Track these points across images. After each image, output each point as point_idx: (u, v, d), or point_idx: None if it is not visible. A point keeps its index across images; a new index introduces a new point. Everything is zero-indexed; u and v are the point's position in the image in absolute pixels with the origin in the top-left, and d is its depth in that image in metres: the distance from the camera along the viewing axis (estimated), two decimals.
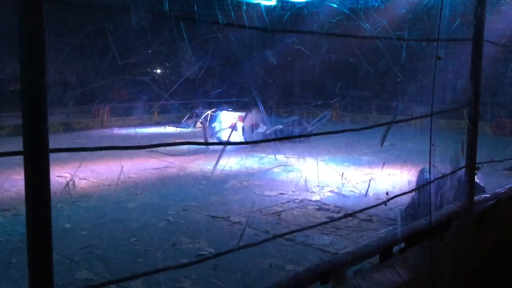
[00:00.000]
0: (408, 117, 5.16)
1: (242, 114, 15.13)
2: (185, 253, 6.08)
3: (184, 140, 2.78)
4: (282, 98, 25.28)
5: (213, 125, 15.63)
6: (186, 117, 19.87)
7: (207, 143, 13.16)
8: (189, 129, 19.26)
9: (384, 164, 10.94)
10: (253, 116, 15.32)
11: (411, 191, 4.58)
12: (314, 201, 8.61)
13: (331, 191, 9.28)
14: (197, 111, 20.38)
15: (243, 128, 14.86)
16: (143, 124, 20.34)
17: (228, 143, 9.95)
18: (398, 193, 4.77)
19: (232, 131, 14.85)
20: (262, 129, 15.39)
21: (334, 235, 6.81)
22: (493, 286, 5.16)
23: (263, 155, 11.45)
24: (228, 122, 15.16)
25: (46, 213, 1.82)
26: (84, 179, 10.06)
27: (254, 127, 15.23)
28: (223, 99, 19.74)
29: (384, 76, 18.51)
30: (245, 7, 17.07)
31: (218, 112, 15.73)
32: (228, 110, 15.67)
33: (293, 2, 20.58)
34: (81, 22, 17.50)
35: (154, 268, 2.93)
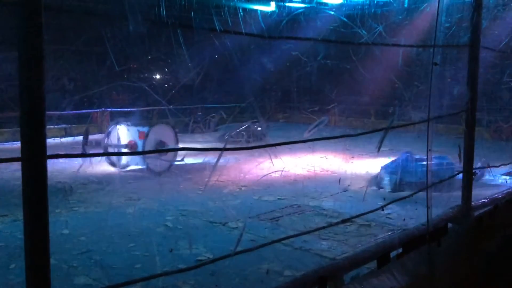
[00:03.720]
0: (406, 122, 5.18)
1: (144, 129, 11.79)
2: (183, 258, 6.08)
3: (181, 146, 2.80)
4: (279, 103, 25.32)
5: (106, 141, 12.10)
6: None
7: (204, 149, 13.11)
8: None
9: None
10: (159, 132, 12.00)
11: (408, 196, 4.59)
12: (312, 206, 8.61)
13: (329, 196, 9.29)
14: (195, 116, 20.39)
15: (143, 147, 11.37)
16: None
17: (226, 149, 9.95)
18: (396, 198, 4.79)
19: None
20: (169, 155, 11.74)
21: (332, 240, 6.81)
22: None
23: (261, 160, 11.46)
24: (126, 139, 11.83)
25: (43, 219, 1.83)
26: (83, 184, 10.06)
27: (160, 146, 11.51)
28: (220, 104, 19.79)
29: (381, 82, 18.55)
30: (242, 13, 17.10)
31: (113, 126, 12.17)
32: (127, 125, 12.12)
33: (290, 9, 20.66)
34: (79, 29, 17.52)
35: (153, 274, 2.94)
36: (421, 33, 16.01)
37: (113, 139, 11.87)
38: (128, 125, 12.07)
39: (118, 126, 12.02)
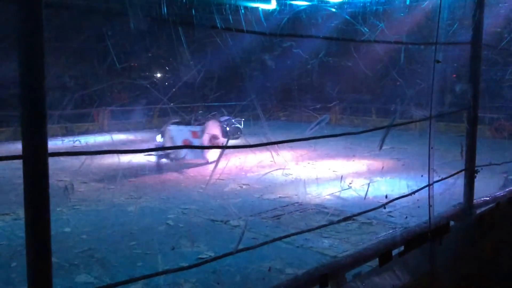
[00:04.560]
0: (407, 120, 5.16)
1: (197, 128, 12.60)
2: (185, 256, 6.08)
3: (182, 144, 2.79)
4: (280, 101, 25.28)
5: (157, 138, 12.96)
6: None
7: (205, 147, 13.12)
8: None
9: (383, 167, 10.96)
10: (211, 128, 12.82)
11: (410, 194, 4.58)
12: (313, 204, 8.61)
13: (330, 194, 9.28)
14: (196, 114, 20.36)
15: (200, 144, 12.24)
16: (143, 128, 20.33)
17: (226, 147, 9.91)
18: (397, 196, 4.78)
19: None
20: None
21: (333, 238, 6.81)
22: None
23: (262, 158, 11.46)
24: (180, 139, 12.44)
25: (45, 217, 1.83)
26: (84, 183, 10.06)
27: (212, 141, 12.54)
28: (222, 103, 19.74)
29: (383, 79, 18.54)
30: (243, 11, 17.07)
31: (168, 127, 12.82)
32: (177, 125, 12.93)
33: (292, 7, 20.62)
34: (80, 26, 17.52)
35: (154, 272, 2.93)
36: (423, 30, 16.00)
37: (167, 140, 12.42)
38: (179, 125, 12.82)
39: (168, 128, 12.67)
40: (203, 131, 12.37)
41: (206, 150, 12.06)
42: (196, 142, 12.21)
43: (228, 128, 15.85)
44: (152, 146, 12.36)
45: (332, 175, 10.92)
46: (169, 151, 12.04)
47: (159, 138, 12.98)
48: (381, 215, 7.71)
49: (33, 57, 1.74)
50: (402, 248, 3.90)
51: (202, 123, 12.92)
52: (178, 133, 12.56)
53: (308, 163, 12.26)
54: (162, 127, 13.21)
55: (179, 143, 12.19)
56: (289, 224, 7.48)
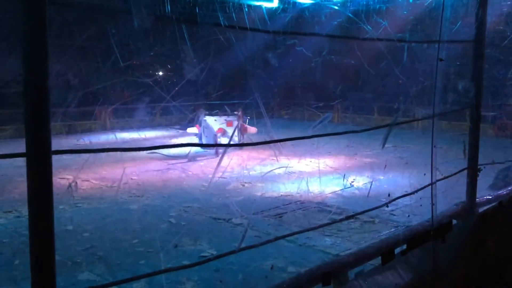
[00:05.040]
0: (410, 118, 5.16)
1: (231, 118, 14.21)
2: (187, 254, 6.08)
3: (185, 142, 2.79)
4: (283, 99, 25.27)
5: (188, 130, 14.95)
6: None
7: (207, 145, 13.18)
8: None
9: (386, 165, 10.95)
10: (241, 118, 14.29)
11: (412, 193, 4.58)
12: (316, 202, 8.61)
13: (333, 193, 9.27)
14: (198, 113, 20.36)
15: (233, 132, 13.87)
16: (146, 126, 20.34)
17: (228, 145, 9.85)
18: (400, 194, 4.78)
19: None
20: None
21: (336, 237, 6.80)
22: None
23: (265, 156, 11.47)
24: (216, 128, 14.01)
25: (48, 215, 1.83)
26: (87, 181, 10.07)
27: (242, 129, 14.15)
28: (224, 101, 19.74)
29: (386, 78, 18.50)
30: (246, 9, 17.06)
31: (202, 117, 14.37)
32: (212, 115, 14.41)
33: (295, 5, 20.62)
34: (83, 24, 17.50)
35: (156, 270, 2.94)
36: (426, 28, 15.98)
37: (203, 130, 14.18)
38: (213, 115, 14.30)
39: (205, 118, 14.19)
40: (237, 121, 13.96)
41: (234, 135, 13.45)
42: (231, 130, 13.75)
43: None
44: (153, 144, 12.46)
45: (334, 173, 10.92)
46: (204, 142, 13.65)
47: (192, 130, 14.61)
48: (384, 214, 7.70)
49: (36, 55, 1.74)
50: (404, 246, 3.90)
51: (234, 114, 14.39)
52: (214, 123, 14.00)
53: (311, 161, 12.26)
54: (195, 119, 14.73)
55: (215, 132, 13.79)
56: (291, 223, 7.48)
